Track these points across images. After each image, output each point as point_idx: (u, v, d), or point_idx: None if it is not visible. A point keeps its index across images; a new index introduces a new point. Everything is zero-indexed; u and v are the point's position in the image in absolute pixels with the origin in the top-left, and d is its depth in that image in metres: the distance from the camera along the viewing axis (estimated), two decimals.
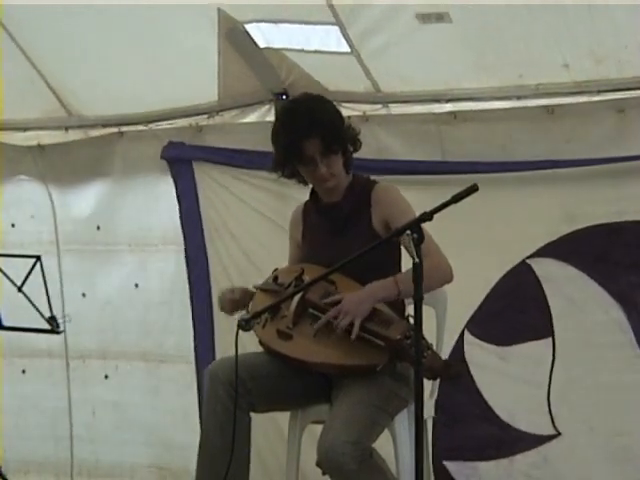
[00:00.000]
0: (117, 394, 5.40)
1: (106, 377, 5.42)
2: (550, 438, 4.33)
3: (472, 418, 4.43)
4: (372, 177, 3.66)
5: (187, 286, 5.11)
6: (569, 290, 4.33)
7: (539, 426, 4.35)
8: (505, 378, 4.41)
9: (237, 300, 3.66)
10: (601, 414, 4.27)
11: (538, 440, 4.35)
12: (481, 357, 4.43)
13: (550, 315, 4.35)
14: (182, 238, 5.10)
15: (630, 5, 3.91)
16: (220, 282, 4.93)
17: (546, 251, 4.36)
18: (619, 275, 4.26)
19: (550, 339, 4.34)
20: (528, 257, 4.39)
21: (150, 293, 5.30)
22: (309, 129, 3.41)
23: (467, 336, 4.45)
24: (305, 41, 4.51)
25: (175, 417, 5.18)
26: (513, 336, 4.40)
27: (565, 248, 4.34)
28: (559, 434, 4.33)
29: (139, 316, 5.32)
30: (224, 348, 4.81)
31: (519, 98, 4.40)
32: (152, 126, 5.10)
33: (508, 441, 4.38)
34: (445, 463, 4.46)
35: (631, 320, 4.23)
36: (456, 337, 4.44)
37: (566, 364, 4.33)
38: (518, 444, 4.37)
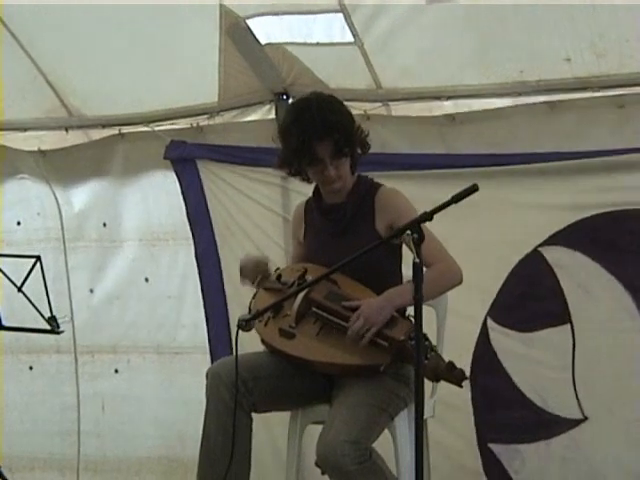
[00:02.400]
0: (128, 388, 5.41)
1: (116, 371, 5.43)
2: (578, 422, 4.35)
3: (508, 403, 4.46)
4: (376, 174, 3.66)
5: (198, 279, 5.12)
6: (581, 277, 4.35)
7: (569, 410, 4.36)
8: (532, 363, 4.43)
9: (258, 263, 3.64)
10: (621, 400, 4.28)
11: (569, 424, 4.36)
12: (507, 343, 4.45)
13: (565, 302, 4.36)
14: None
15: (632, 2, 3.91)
16: (235, 279, 4.93)
17: (556, 239, 4.38)
18: (627, 262, 4.27)
19: (569, 325, 4.35)
20: (539, 245, 4.40)
21: (160, 287, 5.31)
22: (323, 131, 3.38)
23: (490, 323, 4.46)
24: (308, 33, 4.50)
25: (190, 408, 5.15)
26: (533, 323, 4.42)
27: (573, 236, 4.35)
28: (586, 418, 4.34)
29: (150, 310, 5.33)
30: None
31: (520, 95, 4.39)
32: (153, 126, 5.10)
33: (543, 424, 4.41)
34: (490, 445, 4.49)
35: None
36: (479, 325, 4.47)
37: (587, 350, 4.34)
38: (553, 427, 4.40)
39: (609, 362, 4.30)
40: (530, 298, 4.42)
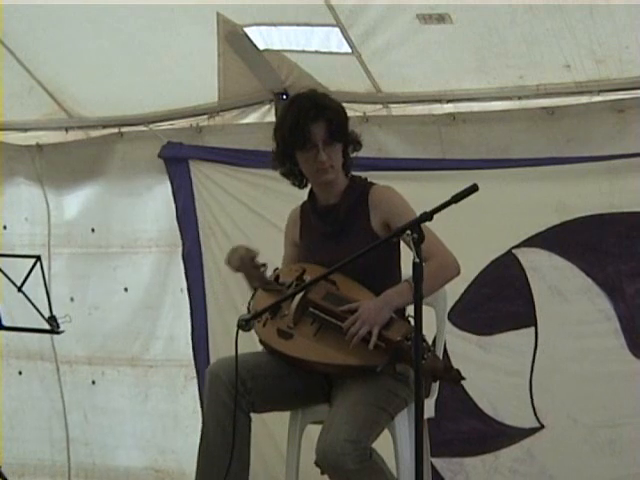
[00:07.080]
0: (105, 400, 5.39)
1: (93, 383, 5.41)
2: (533, 431, 4.31)
3: (456, 413, 4.40)
4: (372, 174, 3.65)
5: (176, 289, 5.14)
6: (555, 280, 4.32)
7: (522, 419, 4.32)
8: (487, 369, 4.39)
9: (245, 256, 3.57)
10: (585, 406, 4.25)
11: (521, 434, 4.32)
12: (462, 348, 4.40)
13: (533, 304, 4.34)
14: (175, 240, 5.11)
15: (631, 5, 3.91)
16: (214, 281, 4.95)
17: (534, 241, 4.36)
18: (608, 264, 4.25)
19: (533, 328, 4.32)
20: (514, 247, 4.38)
21: (139, 297, 5.29)
22: (316, 112, 3.42)
23: (448, 326, 4.38)
24: (305, 43, 4.52)
25: (165, 422, 5.18)
26: (494, 325, 4.38)
27: (554, 238, 4.33)
28: (542, 427, 4.31)
29: (127, 320, 5.31)
30: (217, 349, 4.85)
31: (520, 98, 4.41)
32: (152, 127, 5.10)
33: (492, 436, 4.36)
34: (431, 460, 4.42)
35: (617, 309, 4.23)
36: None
37: (549, 354, 4.31)
38: (502, 438, 4.35)
39: (574, 366, 4.27)
40: (495, 300, 4.40)
